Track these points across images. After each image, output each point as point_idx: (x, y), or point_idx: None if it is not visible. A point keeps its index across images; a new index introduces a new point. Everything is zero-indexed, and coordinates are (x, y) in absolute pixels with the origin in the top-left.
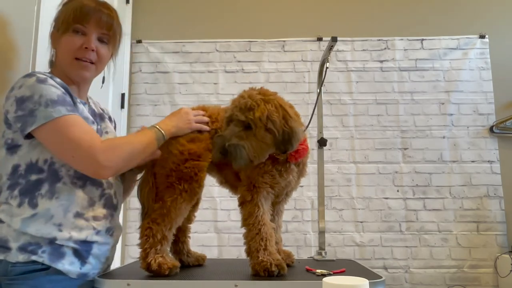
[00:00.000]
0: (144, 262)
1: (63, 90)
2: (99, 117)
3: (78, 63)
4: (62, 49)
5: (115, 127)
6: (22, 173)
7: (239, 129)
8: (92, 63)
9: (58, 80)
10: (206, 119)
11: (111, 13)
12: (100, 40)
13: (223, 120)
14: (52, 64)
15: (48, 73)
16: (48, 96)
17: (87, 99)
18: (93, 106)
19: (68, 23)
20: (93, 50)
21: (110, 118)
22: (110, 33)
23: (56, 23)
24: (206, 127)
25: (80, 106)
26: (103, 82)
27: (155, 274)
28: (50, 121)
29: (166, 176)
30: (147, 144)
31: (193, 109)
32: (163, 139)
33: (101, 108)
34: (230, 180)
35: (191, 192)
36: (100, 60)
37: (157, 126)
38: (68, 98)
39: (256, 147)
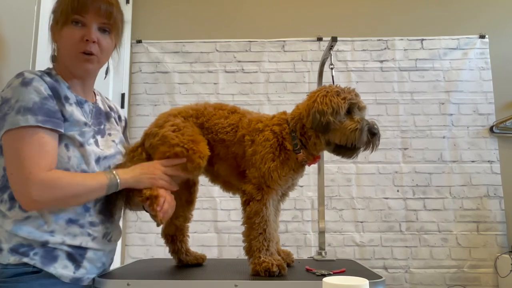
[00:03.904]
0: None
1: (47, 93)
2: (105, 116)
3: (80, 56)
4: (63, 43)
5: (125, 127)
6: None
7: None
8: (94, 55)
9: (48, 79)
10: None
11: (110, 1)
12: (102, 30)
13: (336, 106)
14: (54, 58)
15: (45, 70)
16: (23, 102)
17: (94, 95)
18: (99, 104)
19: (66, 15)
20: (94, 42)
21: (119, 118)
22: (111, 22)
23: (55, 15)
24: (172, 187)
25: (70, 108)
26: (106, 73)
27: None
28: (14, 128)
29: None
30: (93, 190)
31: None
32: (115, 189)
33: (109, 106)
34: (223, 175)
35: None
36: (103, 51)
37: (115, 173)
38: (49, 105)
39: None
